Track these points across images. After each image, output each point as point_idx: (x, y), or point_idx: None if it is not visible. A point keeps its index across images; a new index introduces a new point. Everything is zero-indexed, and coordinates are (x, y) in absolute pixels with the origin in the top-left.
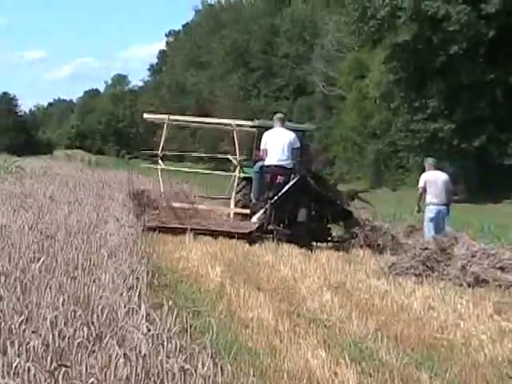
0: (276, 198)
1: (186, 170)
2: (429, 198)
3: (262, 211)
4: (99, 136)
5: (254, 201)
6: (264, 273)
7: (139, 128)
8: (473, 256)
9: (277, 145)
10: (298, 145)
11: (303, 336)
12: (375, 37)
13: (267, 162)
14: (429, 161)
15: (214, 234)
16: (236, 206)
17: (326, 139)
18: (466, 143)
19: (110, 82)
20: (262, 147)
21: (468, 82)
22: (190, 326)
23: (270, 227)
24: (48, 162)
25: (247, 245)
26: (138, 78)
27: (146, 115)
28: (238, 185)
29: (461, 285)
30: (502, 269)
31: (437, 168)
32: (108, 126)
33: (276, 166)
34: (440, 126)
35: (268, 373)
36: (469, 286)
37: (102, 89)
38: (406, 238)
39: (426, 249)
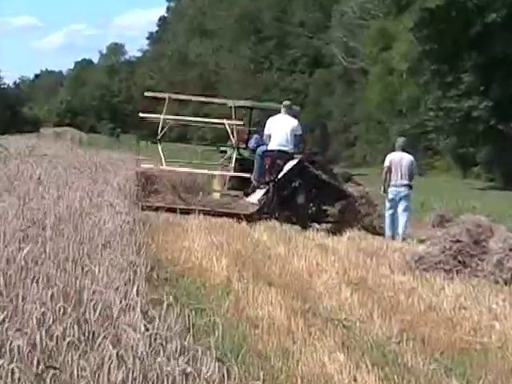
0: (276, 180)
1: (186, 170)
2: (391, 179)
3: (262, 193)
4: (92, 112)
5: (254, 183)
6: (276, 266)
7: (137, 104)
8: (510, 250)
9: (280, 131)
10: (299, 132)
11: (319, 337)
12: (402, 2)
13: (270, 147)
14: (399, 141)
15: (216, 214)
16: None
17: (346, 118)
18: (504, 123)
19: (104, 51)
20: (265, 132)
21: (507, 54)
22: (193, 325)
23: (271, 208)
24: (35, 141)
25: (256, 234)
26: (135, 47)
27: (147, 93)
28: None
29: (496, 282)
30: None
31: (403, 150)
32: (102, 102)
33: (278, 150)
34: (475, 104)
35: (280, 378)
36: (505, 283)
37: (95, 59)
38: (435, 229)
39: (458, 241)
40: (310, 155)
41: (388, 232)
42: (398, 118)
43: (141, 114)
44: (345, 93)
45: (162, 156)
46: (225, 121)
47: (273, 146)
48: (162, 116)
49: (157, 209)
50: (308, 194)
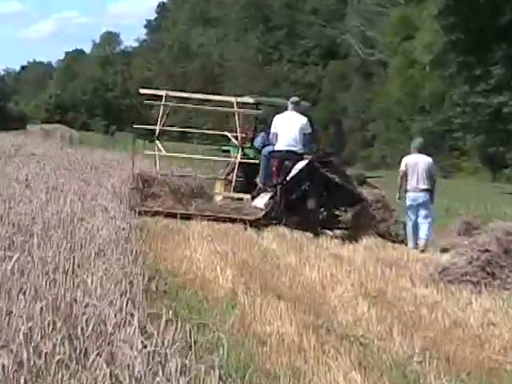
0: (284, 182)
1: (184, 155)
2: (408, 184)
3: (268, 196)
4: (84, 108)
5: (260, 185)
6: (286, 278)
7: (133, 99)
8: None
9: (287, 129)
10: (309, 130)
11: (333, 356)
12: None
13: (277, 147)
14: (415, 143)
15: (219, 220)
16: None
17: (363, 114)
18: None
19: (97, 41)
20: (272, 131)
21: None
22: (195, 342)
23: (278, 213)
24: (21, 140)
25: (264, 242)
26: (131, 37)
27: (143, 90)
28: (227, 166)
29: None
30: None
31: (421, 151)
32: (95, 96)
33: (286, 151)
34: (505, 100)
35: None
36: None
37: (87, 50)
38: (461, 237)
39: (487, 251)
40: (321, 155)
41: (411, 243)
42: (421, 115)
43: (135, 126)
44: (362, 87)
45: (162, 148)
46: (227, 133)
47: (280, 145)
48: (157, 127)
49: (155, 214)
50: (319, 197)
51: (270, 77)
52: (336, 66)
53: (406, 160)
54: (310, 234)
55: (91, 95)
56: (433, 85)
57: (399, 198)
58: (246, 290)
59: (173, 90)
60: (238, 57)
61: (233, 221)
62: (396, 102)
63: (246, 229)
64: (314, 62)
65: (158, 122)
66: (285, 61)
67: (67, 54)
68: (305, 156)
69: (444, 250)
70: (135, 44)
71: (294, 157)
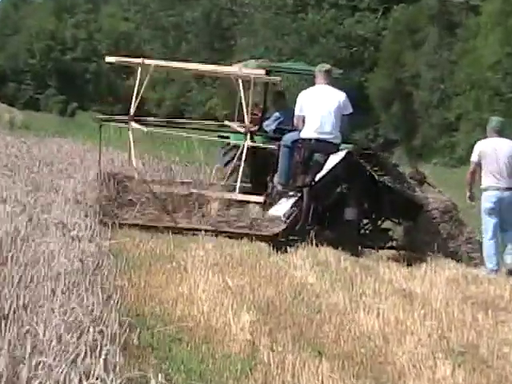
0: (313, 184)
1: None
2: (485, 180)
3: (291, 203)
4: (30, 77)
5: (279, 187)
6: (330, 325)
7: (103, 63)
8: None
9: (319, 110)
10: (350, 110)
11: None
12: None
13: (304, 135)
14: (492, 123)
15: (220, 234)
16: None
17: (443, 85)
18: None
19: None
20: (296, 113)
21: None
22: None
23: (305, 226)
24: None
25: (298, 273)
26: None
27: (108, 58)
28: (224, 154)
29: None
30: None
31: (501, 135)
32: (46, 59)
33: (317, 139)
34: None
35: None
36: None
37: None
38: None
39: None
40: (379, 146)
41: (490, 264)
42: None
43: (108, 59)
44: (441, 44)
45: (132, 144)
46: (235, 68)
47: (309, 132)
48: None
49: (134, 228)
50: (360, 204)
51: (305, 30)
52: (402, 12)
53: (480, 147)
54: (364, 261)
55: (41, 58)
56: None
57: (471, 199)
58: (271, 343)
59: (163, 50)
60: (258, 1)
61: (239, 236)
62: (492, 65)
63: (269, 253)
64: (369, 6)
65: (133, 101)
66: (326, 6)
67: None
68: (342, 147)
69: None
70: None
71: (328, 148)
